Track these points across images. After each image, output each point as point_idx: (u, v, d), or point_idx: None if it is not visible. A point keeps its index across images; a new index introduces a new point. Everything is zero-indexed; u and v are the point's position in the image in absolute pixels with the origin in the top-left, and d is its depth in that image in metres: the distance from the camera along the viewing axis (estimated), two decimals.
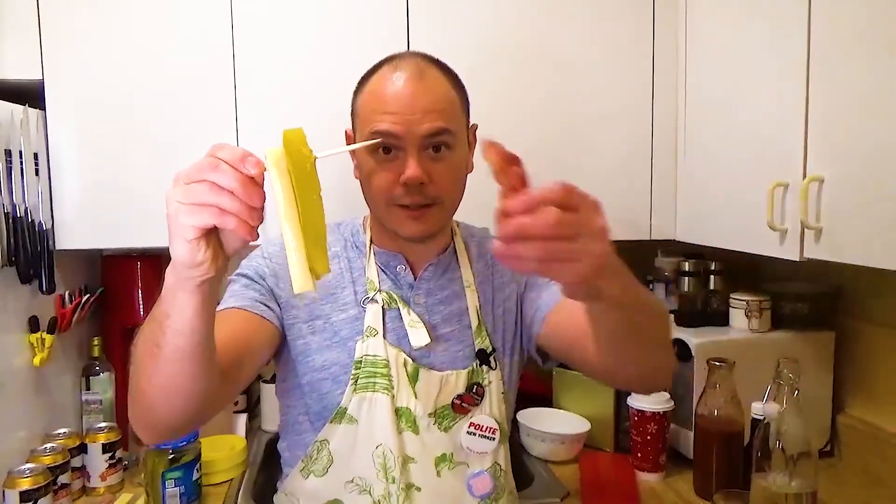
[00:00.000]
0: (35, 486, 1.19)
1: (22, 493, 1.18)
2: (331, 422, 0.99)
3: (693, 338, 1.49)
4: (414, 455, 0.98)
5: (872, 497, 1.38)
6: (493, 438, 1.02)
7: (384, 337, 1.00)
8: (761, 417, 1.25)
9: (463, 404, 1.01)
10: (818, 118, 1.14)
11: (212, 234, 0.65)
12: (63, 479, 1.29)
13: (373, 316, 1.01)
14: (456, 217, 1.09)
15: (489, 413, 1.03)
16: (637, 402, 1.46)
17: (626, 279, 0.70)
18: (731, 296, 1.58)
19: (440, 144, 0.95)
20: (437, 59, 1.01)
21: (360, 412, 0.98)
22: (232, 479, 1.45)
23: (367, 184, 0.99)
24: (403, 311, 1.02)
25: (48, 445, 1.31)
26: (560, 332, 1.02)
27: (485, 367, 1.04)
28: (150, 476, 1.28)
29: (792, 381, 1.14)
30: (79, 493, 1.38)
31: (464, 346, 1.05)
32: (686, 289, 1.61)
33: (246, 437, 1.59)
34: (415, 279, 1.06)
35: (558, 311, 1.03)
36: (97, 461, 1.38)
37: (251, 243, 0.66)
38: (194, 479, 1.31)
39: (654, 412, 1.44)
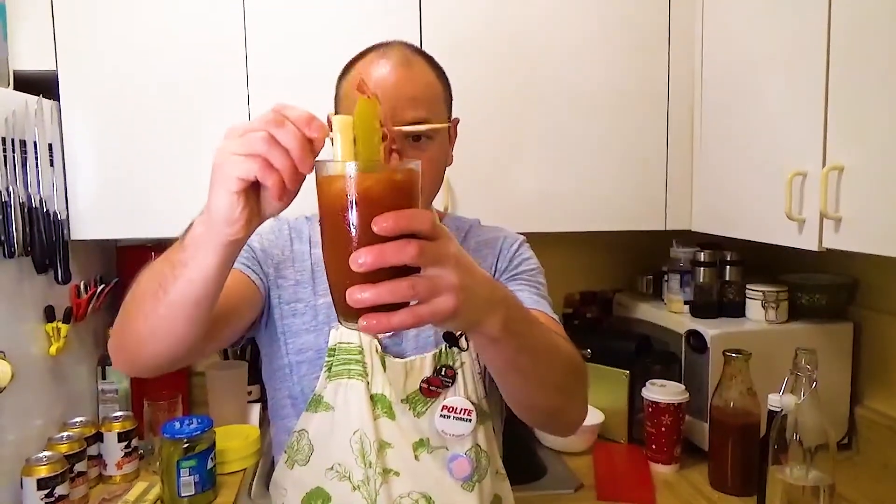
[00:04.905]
0: (52, 474, 1.20)
1: (39, 481, 1.19)
2: (307, 410, 1.00)
3: (709, 329, 1.48)
4: (391, 440, 0.98)
5: (891, 490, 1.36)
6: (469, 420, 1.00)
7: None
8: (778, 409, 1.23)
9: (431, 388, 1.00)
10: (838, 105, 1.12)
11: (251, 195, 0.64)
12: (79, 466, 1.31)
13: None
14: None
15: (463, 394, 1.02)
16: (652, 393, 1.45)
17: (516, 314, 0.69)
18: (748, 287, 1.56)
19: (421, 134, 0.94)
20: (424, 51, 1.00)
21: (336, 399, 0.98)
22: (246, 469, 1.46)
23: None
24: None
25: (65, 434, 1.33)
26: None
27: (455, 349, 1.03)
28: (165, 464, 1.29)
29: (810, 372, 1.12)
30: (95, 480, 1.40)
31: (433, 330, 1.03)
32: (702, 279, 1.60)
33: (259, 427, 1.59)
34: None
35: None
36: (113, 449, 1.40)
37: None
38: (209, 467, 1.32)
39: (668, 403, 1.43)
